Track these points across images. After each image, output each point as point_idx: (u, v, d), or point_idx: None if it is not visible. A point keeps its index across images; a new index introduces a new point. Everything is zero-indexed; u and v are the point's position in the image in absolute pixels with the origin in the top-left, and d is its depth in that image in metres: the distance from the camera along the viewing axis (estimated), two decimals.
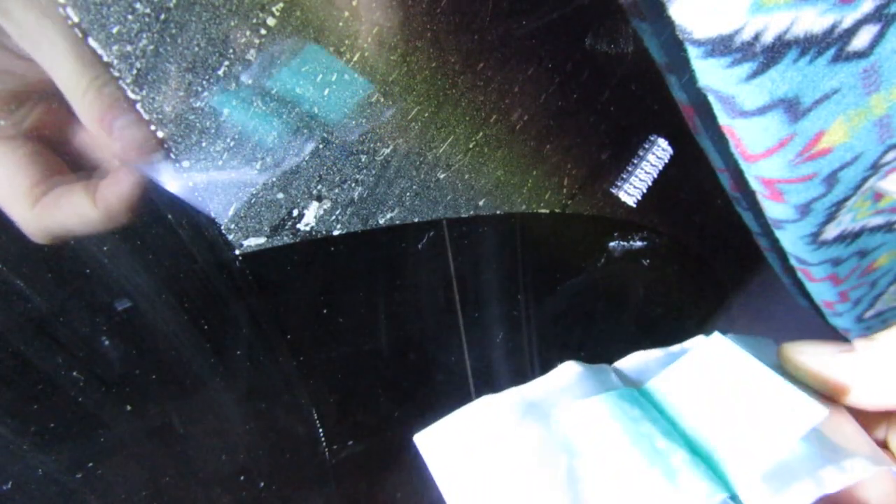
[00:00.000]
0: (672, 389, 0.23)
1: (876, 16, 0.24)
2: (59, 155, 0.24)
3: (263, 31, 0.24)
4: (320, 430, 0.34)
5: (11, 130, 0.22)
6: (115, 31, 0.22)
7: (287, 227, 0.29)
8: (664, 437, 0.21)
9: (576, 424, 0.22)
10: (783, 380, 0.21)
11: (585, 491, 0.21)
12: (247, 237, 0.28)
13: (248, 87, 0.25)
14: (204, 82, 0.24)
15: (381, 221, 0.31)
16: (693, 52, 0.24)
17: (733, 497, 0.21)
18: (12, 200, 0.23)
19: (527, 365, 0.42)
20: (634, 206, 0.39)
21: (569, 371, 0.24)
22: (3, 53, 0.21)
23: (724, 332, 0.25)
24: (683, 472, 0.20)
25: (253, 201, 0.28)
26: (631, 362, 0.25)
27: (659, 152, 0.38)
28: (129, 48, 0.22)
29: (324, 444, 0.34)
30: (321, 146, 0.28)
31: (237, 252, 0.28)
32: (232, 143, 0.26)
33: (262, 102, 0.25)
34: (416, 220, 0.32)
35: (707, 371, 0.23)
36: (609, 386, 0.24)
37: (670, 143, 0.38)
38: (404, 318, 0.36)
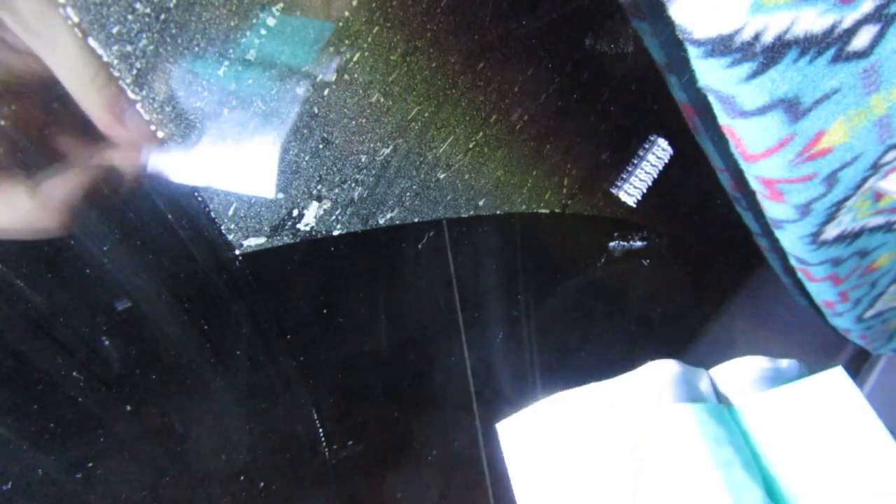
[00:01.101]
0: (767, 418, 0.21)
1: (876, 16, 0.24)
2: (7, 150, 0.23)
3: (263, 31, 0.24)
4: (320, 430, 0.34)
5: None
6: (115, 31, 0.22)
7: (287, 227, 0.29)
8: (744, 470, 0.20)
9: (655, 429, 0.20)
10: (892, 440, 0.19)
11: (645, 499, 0.20)
12: (247, 237, 0.28)
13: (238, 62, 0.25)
14: (204, 82, 0.24)
15: (381, 221, 0.31)
16: (693, 52, 0.24)
17: None
18: None
19: (527, 365, 0.42)
20: (634, 206, 0.39)
21: (663, 370, 0.22)
22: None
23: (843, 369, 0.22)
24: (750, 491, 0.19)
25: (253, 201, 0.28)
26: (730, 372, 0.23)
27: (659, 152, 0.38)
28: (129, 48, 0.22)
29: (324, 444, 0.34)
30: (321, 146, 0.28)
31: (237, 252, 0.28)
32: (232, 144, 0.26)
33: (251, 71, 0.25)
34: (416, 220, 0.32)
35: (812, 408, 0.21)
36: (699, 396, 0.22)
37: (670, 143, 0.38)
38: (404, 318, 0.36)
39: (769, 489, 0.20)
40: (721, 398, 0.23)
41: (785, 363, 0.23)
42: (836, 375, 0.21)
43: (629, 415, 0.21)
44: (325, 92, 0.27)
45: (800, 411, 0.21)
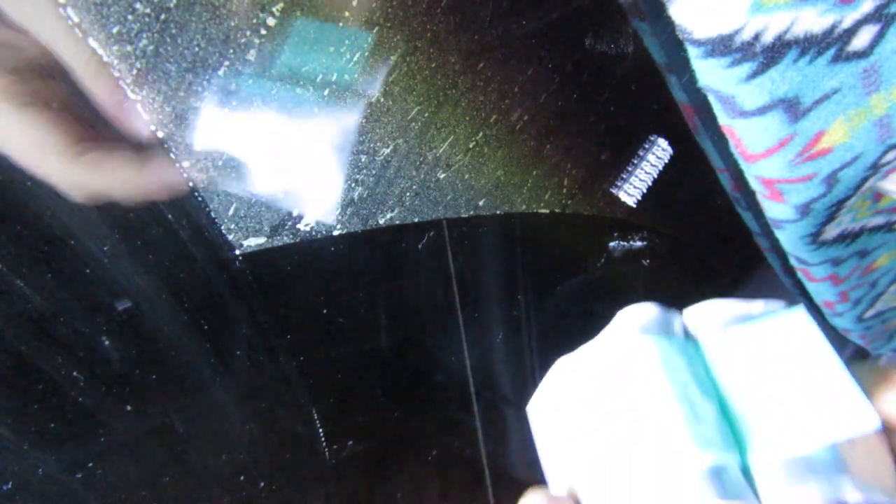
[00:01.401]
0: (728, 352, 0.22)
1: (876, 16, 0.24)
2: (83, 124, 0.24)
3: (263, 31, 0.24)
4: (320, 430, 0.34)
5: (28, 98, 0.22)
6: (115, 31, 0.22)
7: (287, 227, 0.29)
8: (699, 390, 0.21)
9: (621, 359, 0.22)
10: (848, 376, 0.20)
11: (616, 423, 0.21)
12: (247, 237, 0.28)
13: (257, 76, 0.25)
14: (204, 82, 0.24)
15: (381, 221, 0.31)
16: (693, 52, 0.24)
17: (744, 470, 0.20)
18: (50, 158, 0.23)
19: (527, 365, 0.42)
20: (634, 206, 0.39)
21: (636, 313, 0.24)
22: (9, 29, 0.22)
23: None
24: (706, 421, 0.20)
25: (253, 201, 0.28)
26: (699, 313, 0.24)
27: (659, 152, 0.38)
28: (129, 48, 0.22)
29: (324, 444, 0.34)
30: (321, 146, 0.28)
31: (237, 252, 0.28)
32: (232, 143, 0.26)
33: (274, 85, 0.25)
34: (416, 220, 0.32)
35: (772, 343, 0.22)
36: (669, 332, 0.23)
37: (670, 143, 0.38)
38: (404, 318, 0.36)
39: (724, 411, 0.21)
40: (689, 336, 0.24)
41: (757, 306, 0.24)
42: (798, 315, 0.22)
43: (605, 352, 0.23)
44: (325, 92, 0.27)
45: (758, 346, 0.22)
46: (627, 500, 0.20)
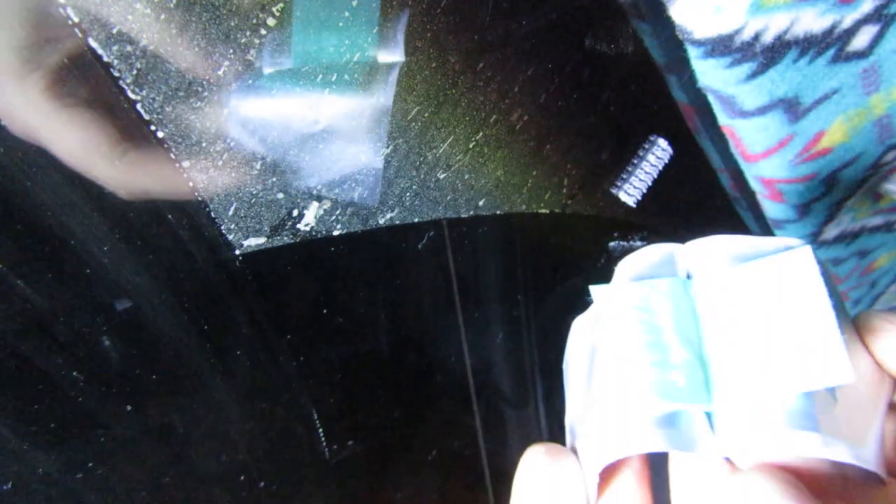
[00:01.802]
0: (718, 294, 0.21)
1: (875, 16, 0.24)
2: (122, 124, 0.24)
3: (263, 31, 0.24)
4: (320, 430, 0.34)
5: (72, 98, 0.22)
6: (115, 31, 0.22)
7: (287, 227, 0.29)
8: (676, 334, 0.21)
9: (603, 307, 0.22)
10: (836, 326, 0.18)
11: (594, 370, 0.21)
12: (247, 237, 0.28)
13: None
14: (204, 82, 0.24)
15: (381, 221, 0.31)
16: (693, 52, 0.24)
17: (708, 415, 0.20)
18: (97, 159, 0.24)
19: (527, 365, 0.42)
20: (634, 206, 0.39)
21: (639, 255, 0.24)
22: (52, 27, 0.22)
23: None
24: (673, 367, 0.20)
25: (253, 201, 0.28)
26: (699, 250, 0.23)
27: (659, 152, 0.38)
28: (129, 48, 0.22)
29: (324, 444, 0.34)
30: (321, 146, 0.28)
31: (237, 252, 0.28)
32: (232, 143, 0.26)
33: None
34: (416, 220, 0.32)
35: (765, 285, 0.20)
36: (672, 272, 0.23)
37: (670, 143, 0.38)
38: (404, 318, 0.36)
39: (699, 355, 0.21)
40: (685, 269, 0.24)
41: (766, 243, 0.22)
42: (800, 255, 0.20)
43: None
44: (325, 92, 0.27)
45: (750, 288, 0.20)
46: (595, 442, 0.20)
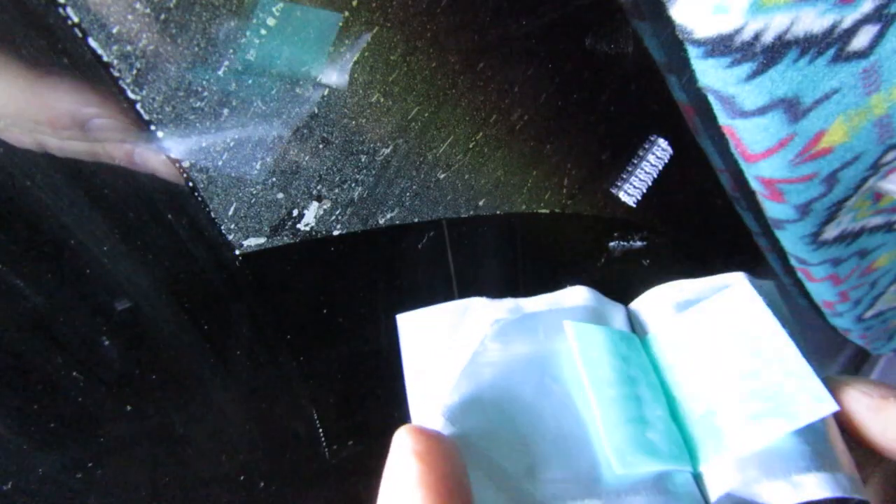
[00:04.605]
0: (674, 341, 0.20)
1: (876, 16, 0.24)
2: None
3: (263, 31, 0.24)
4: (320, 430, 0.34)
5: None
6: (115, 31, 0.22)
7: (287, 227, 0.29)
8: (648, 388, 0.19)
9: (565, 344, 0.20)
10: (802, 357, 0.18)
11: (550, 411, 0.19)
12: (247, 237, 0.28)
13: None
14: (204, 82, 0.24)
15: (381, 221, 0.31)
16: (693, 52, 0.24)
17: (696, 476, 0.19)
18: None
19: None
20: (634, 206, 0.39)
21: (577, 295, 0.22)
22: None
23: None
24: (655, 427, 0.18)
25: (253, 201, 0.28)
26: (646, 304, 0.22)
27: (659, 152, 0.38)
28: (129, 48, 0.22)
29: (324, 444, 0.34)
30: (321, 146, 0.28)
31: (237, 252, 0.28)
32: (232, 143, 0.26)
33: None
34: (416, 220, 0.32)
35: (718, 325, 0.19)
36: (614, 323, 0.21)
37: (670, 143, 0.38)
38: None
39: (673, 411, 0.19)
40: (638, 330, 0.22)
41: (706, 283, 0.21)
42: (742, 289, 0.19)
43: (538, 329, 0.20)
44: (325, 92, 0.27)
45: (707, 328, 0.20)
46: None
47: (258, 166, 0.27)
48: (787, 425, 0.17)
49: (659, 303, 0.22)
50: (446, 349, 0.21)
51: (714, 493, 0.18)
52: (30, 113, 0.23)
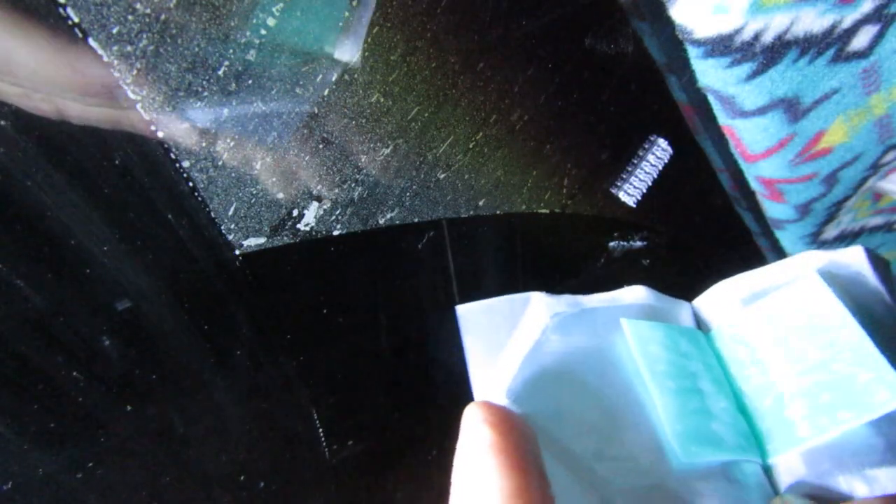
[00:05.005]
0: (740, 335, 0.20)
1: (875, 16, 0.24)
2: None
3: (263, 31, 0.24)
4: (320, 430, 0.34)
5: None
6: (115, 31, 0.22)
7: (287, 227, 0.29)
8: (711, 383, 0.19)
9: (623, 339, 0.20)
10: (875, 348, 0.17)
11: (613, 398, 0.19)
12: (247, 237, 0.28)
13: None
14: (204, 82, 0.24)
15: (381, 221, 0.31)
16: (693, 52, 0.24)
17: (766, 468, 0.18)
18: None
19: None
20: (634, 206, 0.39)
21: (636, 293, 0.21)
22: None
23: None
24: (719, 419, 0.18)
25: (253, 201, 0.28)
26: (709, 300, 0.22)
27: (659, 152, 0.38)
28: (129, 48, 0.22)
29: (324, 444, 0.34)
30: (321, 146, 0.28)
31: (237, 252, 0.28)
32: (232, 144, 0.26)
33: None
34: (416, 220, 0.32)
35: (785, 317, 0.19)
36: (677, 320, 0.21)
37: (670, 143, 0.38)
38: (404, 318, 0.36)
39: (740, 404, 0.19)
40: (703, 326, 0.22)
41: (770, 276, 0.21)
42: (812, 282, 0.19)
43: (599, 326, 0.20)
44: (325, 92, 0.27)
45: (775, 320, 0.19)
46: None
47: (258, 166, 0.27)
48: (860, 417, 0.17)
49: (723, 298, 0.22)
50: (507, 339, 0.21)
51: (784, 484, 0.18)
52: (60, 78, 0.22)
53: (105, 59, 0.22)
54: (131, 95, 0.23)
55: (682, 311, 0.22)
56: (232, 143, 0.26)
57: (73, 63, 0.22)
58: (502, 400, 0.19)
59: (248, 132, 0.26)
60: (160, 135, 0.24)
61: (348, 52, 0.26)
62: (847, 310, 0.18)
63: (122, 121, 0.24)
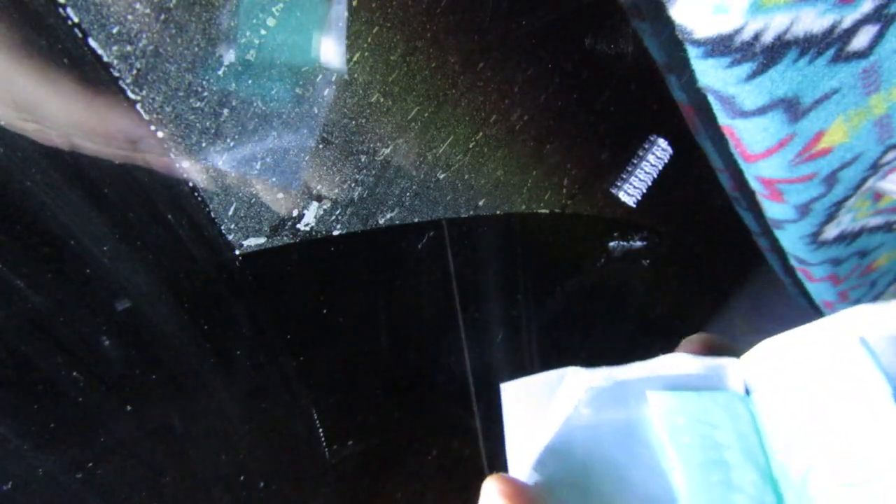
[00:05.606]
0: (774, 401, 0.20)
1: (875, 16, 0.24)
2: None
3: (263, 31, 0.24)
4: (320, 430, 0.34)
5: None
6: (115, 31, 0.22)
7: (287, 227, 0.29)
8: (741, 453, 0.19)
9: (651, 415, 0.20)
10: None
11: (637, 473, 0.20)
12: (247, 237, 0.28)
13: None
14: (204, 82, 0.24)
15: (381, 221, 0.31)
16: (693, 52, 0.24)
17: None
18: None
19: (527, 365, 0.42)
20: (634, 206, 0.39)
21: (673, 363, 0.22)
22: None
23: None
24: (744, 491, 0.18)
25: (253, 201, 0.28)
26: (750, 360, 0.22)
27: (659, 152, 0.38)
28: (129, 48, 0.22)
29: (324, 444, 0.34)
30: (321, 146, 0.28)
31: (237, 252, 0.28)
32: (232, 144, 0.26)
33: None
34: (416, 220, 0.32)
35: (821, 383, 0.19)
36: (724, 383, 0.21)
37: (670, 143, 0.38)
38: (404, 318, 0.36)
39: (769, 474, 0.19)
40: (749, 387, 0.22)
41: (809, 335, 0.20)
42: (858, 355, 0.18)
43: (630, 399, 0.21)
44: (325, 92, 0.27)
45: (806, 386, 0.19)
46: None
47: (258, 166, 0.27)
48: (884, 496, 0.17)
49: (764, 358, 0.22)
50: (543, 414, 0.22)
51: None
52: (85, 126, 0.23)
53: (105, 59, 0.22)
54: (131, 95, 0.23)
55: (730, 371, 0.22)
56: (232, 143, 0.26)
57: (100, 115, 0.23)
58: (526, 470, 0.20)
59: (249, 132, 0.26)
60: (160, 135, 0.24)
61: (336, 55, 0.26)
62: (886, 379, 0.18)
63: (136, 159, 0.25)
